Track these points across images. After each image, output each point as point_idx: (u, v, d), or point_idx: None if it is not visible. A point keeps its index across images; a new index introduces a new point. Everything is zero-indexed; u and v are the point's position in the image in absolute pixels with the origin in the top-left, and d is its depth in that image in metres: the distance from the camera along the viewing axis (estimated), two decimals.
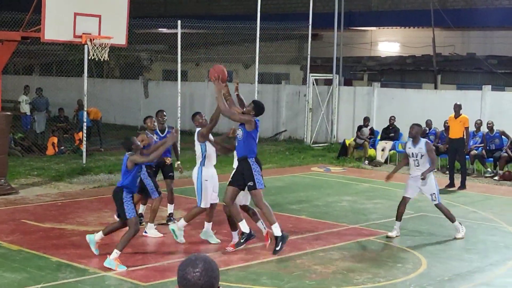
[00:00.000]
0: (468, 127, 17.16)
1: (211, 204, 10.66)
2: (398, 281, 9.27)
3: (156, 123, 11.85)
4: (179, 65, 20.43)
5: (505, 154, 18.54)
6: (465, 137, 17.02)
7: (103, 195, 14.76)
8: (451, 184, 16.93)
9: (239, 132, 10.08)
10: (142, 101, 29.36)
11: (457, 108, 16.99)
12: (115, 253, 9.33)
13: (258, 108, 10.44)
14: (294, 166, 20.19)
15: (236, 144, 10.20)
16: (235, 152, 10.38)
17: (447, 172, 18.07)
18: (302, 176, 18.48)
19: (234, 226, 10.48)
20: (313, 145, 24.10)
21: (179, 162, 12.34)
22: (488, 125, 19.03)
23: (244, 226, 10.19)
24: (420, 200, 15.15)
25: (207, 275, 3.39)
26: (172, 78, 26.03)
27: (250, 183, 9.96)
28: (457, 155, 17.14)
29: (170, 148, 11.79)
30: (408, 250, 10.89)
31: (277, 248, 10.07)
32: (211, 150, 10.62)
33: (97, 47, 14.58)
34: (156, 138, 11.63)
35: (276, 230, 10.06)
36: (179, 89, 20.60)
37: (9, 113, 15.12)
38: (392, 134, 21.14)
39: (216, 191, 10.81)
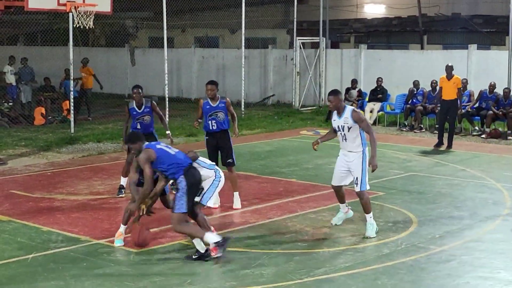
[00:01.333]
0: (461, 87, 17.19)
1: None
2: (389, 240, 9.31)
3: (135, 95, 11.66)
4: (165, 31, 20.24)
5: (491, 112, 18.59)
6: (458, 98, 17.05)
7: (92, 163, 14.72)
8: (440, 142, 16.97)
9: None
10: (129, 69, 29.16)
11: (449, 69, 16.97)
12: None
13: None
14: (283, 130, 20.17)
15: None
16: None
17: (436, 131, 18.11)
18: (291, 139, 18.47)
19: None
20: (302, 109, 24.07)
21: (168, 132, 12.18)
22: (505, 91, 18.78)
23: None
24: (408, 160, 15.22)
25: None
26: (159, 45, 25.80)
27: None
28: (448, 115, 17.15)
29: (153, 121, 11.68)
30: (398, 209, 10.94)
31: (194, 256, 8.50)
32: None
33: (81, 15, 14.45)
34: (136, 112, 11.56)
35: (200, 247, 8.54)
36: (166, 56, 20.44)
37: None
38: (380, 96, 21.13)
39: None
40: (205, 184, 8.64)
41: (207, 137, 11.10)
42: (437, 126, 18.29)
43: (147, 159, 8.25)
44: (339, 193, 9.81)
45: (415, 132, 19.60)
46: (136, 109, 11.62)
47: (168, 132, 12.15)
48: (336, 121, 9.57)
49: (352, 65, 24.16)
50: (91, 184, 12.72)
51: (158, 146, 8.50)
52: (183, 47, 29.53)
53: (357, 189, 9.50)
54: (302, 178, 13.40)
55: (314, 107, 24.35)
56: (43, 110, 20.82)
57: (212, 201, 9.21)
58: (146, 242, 8.76)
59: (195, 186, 8.37)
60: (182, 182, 8.24)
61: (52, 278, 7.82)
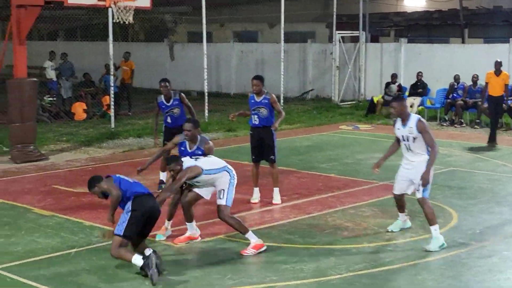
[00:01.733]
0: (508, 84, 16.97)
1: None
2: (429, 235, 9.20)
3: (163, 89, 11.69)
4: (204, 26, 20.30)
5: None
6: (505, 93, 16.86)
7: (132, 159, 14.84)
8: (493, 139, 16.58)
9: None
10: (168, 63, 29.29)
11: (498, 65, 16.78)
12: None
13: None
14: (322, 125, 20.09)
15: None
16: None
17: (476, 126, 17.92)
18: (330, 134, 18.39)
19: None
20: (341, 103, 23.94)
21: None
22: None
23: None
24: (449, 155, 15.04)
25: None
26: (197, 40, 25.88)
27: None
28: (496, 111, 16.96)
29: (183, 113, 11.70)
30: (438, 204, 10.80)
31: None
32: None
33: (121, 10, 14.52)
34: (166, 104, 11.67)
35: None
36: (205, 51, 20.49)
37: (35, 79, 15.16)
38: (420, 90, 20.91)
39: None
40: (224, 186, 8.50)
41: (251, 132, 11.08)
42: (477, 121, 18.09)
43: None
44: (400, 202, 9.33)
45: (455, 127, 19.36)
46: (165, 102, 11.68)
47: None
48: (400, 130, 8.92)
49: (392, 59, 23.95)
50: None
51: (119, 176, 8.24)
52: (222, 42, 29.58)
53: (418, 195, 8.77)
54: (342, 173, 13.33)
55: (354, 102, 24.21)
56: (84, 106, 21.03)
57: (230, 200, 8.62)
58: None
59: (141, 214, 7.79)
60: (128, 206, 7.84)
61: (94, 272, 7.91)
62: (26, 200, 11.24)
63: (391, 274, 7.79)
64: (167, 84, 11.70)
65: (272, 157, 10.91)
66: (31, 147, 14.60)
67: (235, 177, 8.65)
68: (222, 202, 8.48)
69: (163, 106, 11.69)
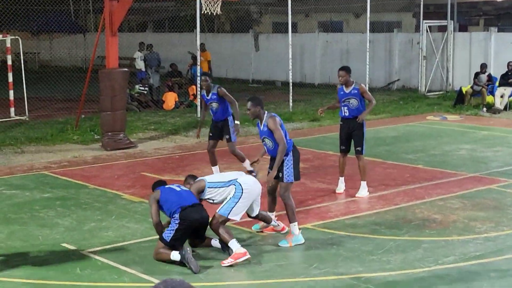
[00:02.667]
0: None
1: None
2: None
3: (205, 83, 11.77)
4: (289, 16, 20.26)
5: None
6: None
7: (218, 148, 14.95)
8: None
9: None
10: (253, 54, 29.41)
11: None
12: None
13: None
14: (409, 115, 19.76)
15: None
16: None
17: None
18: (417, 125, 18.07)
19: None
20: (428, 94, 23.48)
21: (237, 122, 11.89)
22: None
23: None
24: None
25: None
26: (282, 30, 25.90)
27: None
28: None
29: (225, 107, 11.70)
30: None
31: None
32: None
33: (209, 2, 14.67)
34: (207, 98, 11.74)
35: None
36: (290, 41, 20.46)
37: (125, 69, 15.50)
38: (511, 80, 20.25)
39: None
40: (225, 199, 8.18)
41: (341, 122, 10.97)
42: None
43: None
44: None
45: None
46: (205, 96, 11.78)
47: (237, 122, 11.83)
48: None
49: (482, 49, 23.31)
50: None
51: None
52: (307, 32, 29.48)
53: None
54: (429, 164, 13.08)
55: (441, 92, 23.69)
56: (176, 96, 21.34)
57: (238, 214, 8.16)
58: None
59: (188, 225, 7.88)
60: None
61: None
62: (116, 186, 11.53)
63: (482, 268, 7.58)
64: (207, 78, 11.84)
65: (359, 148, 10.78)
66: (121, 135, 14.94)
67: (245, 190, 8.09)
68: (217, 210, 8.13)
69: (205, 99, 11.87)
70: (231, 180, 8.22)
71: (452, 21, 24.47)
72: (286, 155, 8.58)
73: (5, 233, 9.02)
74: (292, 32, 20.75)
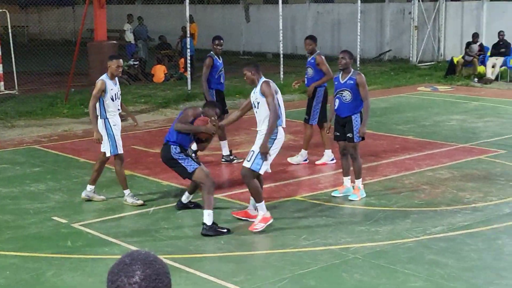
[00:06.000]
0: None
1: None
2: (511, 199, 8.99)
3: (220, 47, 11.43)
4: None
5: None
6: None
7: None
8: None
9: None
10: (243, 25, 29.28)
11: None
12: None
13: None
14: (400, 86, 19.76)
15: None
16: None
17: None
18: (408, 96, 18.08)
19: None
20: (419, 64, 23.46)
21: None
22: None
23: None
24: None
25: (150, 286, 2.28)
26: (273, 1, 25.73)
27: None
28: None
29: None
30: None
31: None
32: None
33: None
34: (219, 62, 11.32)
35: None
36: (280, 12, 20.36)
37: (114, 41, 15.42)
38: (503, 50, 20.23)
39: None
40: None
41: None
42: None
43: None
44: None
45: None
46: (218, 59, 11.39)
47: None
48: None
49: (474, 18, 23.25)
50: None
51: None
52: (297, 3, 29.32)
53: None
54: (419, 135, 13.11)
55: (433, 63, 23.67)
56: (164, 69, 21.26)
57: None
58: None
59: None
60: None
61: (172, 230, 8.05)
62: None
63: (470, 238, 7.65)
64: (222, 42, 11.46)
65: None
66: None
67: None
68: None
69: (218, 64, 11.35)
70: None
71: None
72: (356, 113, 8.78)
73: None
74: (283, 3, 20.66)
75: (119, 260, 2.33)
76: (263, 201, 8.03)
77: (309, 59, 10.91)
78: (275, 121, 7.95)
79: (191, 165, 8.18)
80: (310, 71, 10.91)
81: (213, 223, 7.90)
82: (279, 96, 8.14)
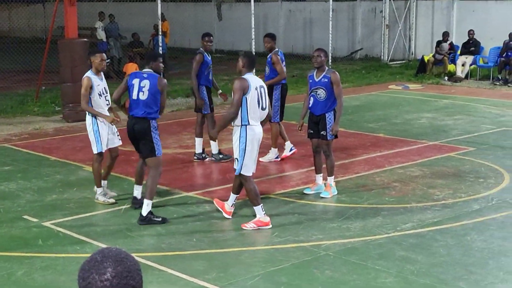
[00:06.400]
0: None
1: None
2: (480, 196, 9.12)
3: (210, 44, 11.42)
4: None
5: None
6: None
7: (181, 118, 14.96)
8: None
9: None
10: (215, 24, 29.26)
11: None
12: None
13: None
14: (371, 84, 19.89)
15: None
16: None
17: None
18: (379, 94, 18.21)
19: None
20: (390, 63, 23.63)
21: (220, 91, 11.70)
22: None
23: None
24: (501, 115, 14.77)
25: (121, 283, 2.28)
26: (245, 0, 25.77)
27: None
28: None
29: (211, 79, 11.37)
30: (490, 165, 10.66)
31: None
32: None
33: None
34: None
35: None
36: (253, 10, 20.38)
37: (85, 39, 15.32)
38: (473, 48, 20.46)
39: None
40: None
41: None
42: None
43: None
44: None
45: (509, 86, 18.95)
46: (207, 55, 11.30)
47: (219, 91, 11.68)
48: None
49: (444, 17, 23.46)
50: (180, 138, 12.94)
51: None
52: (270, 1, 29.36)
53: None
54: (390, 133, 13.22)
55: (404, 61, 23.86)
56: (136, 67, 21.15)
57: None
58: None
59: None
60: None
61: (144, 228, 8.05)
62: (77, 158, 11.47)
63: (440, 234, 7.74)
64: (211, 38, 11.52)
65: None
66: None
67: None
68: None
69: (208, 60, 11.27)
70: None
71: None
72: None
73: None
74: (255, 1, 20.68)
75: (90, 257, 2.33)
76: (260, 205, 8.06)
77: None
78: (229, 117, 7.94)
79: (159, 149, 8.39)
80: (267, 69, 11.03)
81: (150, 212, 8.15)
82: (252, 95, 7.95)
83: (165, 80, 8.65)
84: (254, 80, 8.04)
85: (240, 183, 8.23)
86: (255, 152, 8.05)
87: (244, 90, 7.87)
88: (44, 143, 12.69)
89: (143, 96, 8.31)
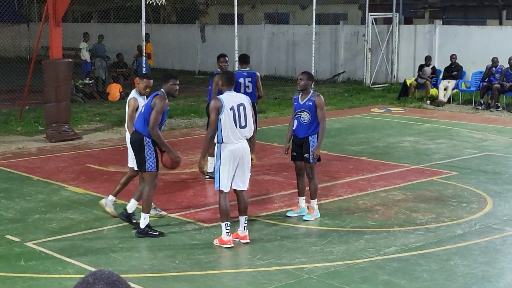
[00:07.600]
0: None
1: None
2: (463, 220, 9.16)
3: (226, 64, 11.44)
4: (235, 8, 20.27)
5: None
6: None
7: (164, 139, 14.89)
8: None
9: None
10: (199, 45, 29.33)
11: None
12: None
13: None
14: (354, 107, 20.00)
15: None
16: None
17: None
18: (361, 117, 18.31)
19: None
20: (373, 86, 23.79)
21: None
22: None
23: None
24: (484, 140, 14.89)
25: None
26: (229, 22, 25.86)
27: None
28: None
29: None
30: (473, 189, 10.73)
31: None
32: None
33: None
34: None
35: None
36: (236, 33, 20.48)
37: (70, 60, 15.31)
38: (455, 73, 20.66)
39: None
40: None
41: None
42: None
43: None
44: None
45: (491, 110, 19.11)
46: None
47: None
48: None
49: (426, 41, 23.69)
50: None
51: None
52: (253, 24, 29.52)
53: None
54: (373, 156, 13.28)
55: (386, 85, 24.02)
56: (120, 87, 21.14)
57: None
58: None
59: None
60: None
61: (126, 249, 8.01)
62: (60, 178, 11.41)
63: (423, 259, 7.77)
64: (227, 59, 11.57)
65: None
66: (66, 126, 14.77)
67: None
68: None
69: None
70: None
71: (397, 14, 24.81)
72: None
73: None
74: (238, 23, 20.77)
75: (82, 279, 2.32)
76: (224, 223, 8.10)
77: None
78: (207, 137, 8.23)
79: (151, 165, 8.42)
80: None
81: (148, 225, 8.35)
82: (226, 114, 7.96)
83: (162, 100, 8.39)
84: (230, 99, 8.08)
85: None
86: (231, 169, 8.07)
87: (218, 110, 7.98)
88: (27, 163, 12.62)
89: (141, 110, 8.64)
